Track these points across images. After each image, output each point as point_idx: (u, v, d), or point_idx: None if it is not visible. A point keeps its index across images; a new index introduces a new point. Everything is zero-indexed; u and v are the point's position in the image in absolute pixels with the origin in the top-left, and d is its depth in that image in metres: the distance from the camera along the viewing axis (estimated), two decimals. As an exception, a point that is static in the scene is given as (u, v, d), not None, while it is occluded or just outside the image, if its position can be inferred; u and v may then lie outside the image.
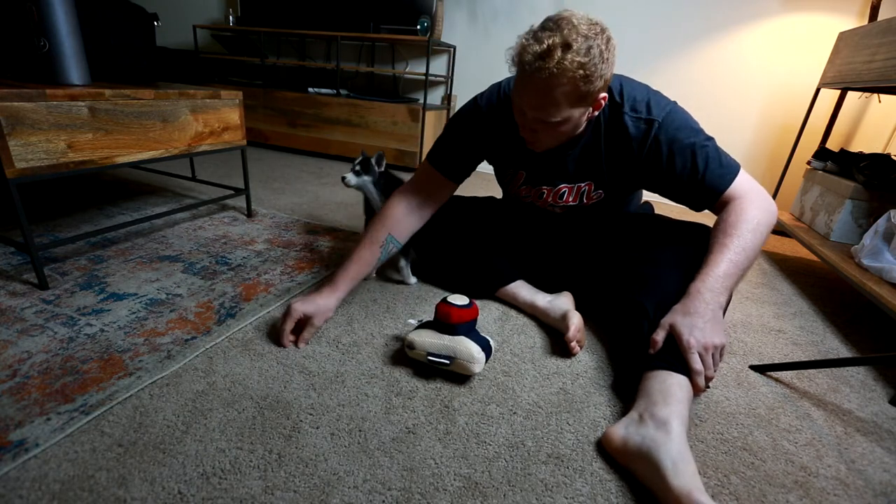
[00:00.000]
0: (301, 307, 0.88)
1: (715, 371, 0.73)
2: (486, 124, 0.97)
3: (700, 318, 0.74)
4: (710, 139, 0.88)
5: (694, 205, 0.91)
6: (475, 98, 0.99)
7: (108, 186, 1.80)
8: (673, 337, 0.75)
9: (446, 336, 0.82)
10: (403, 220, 1.00)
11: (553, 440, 0.71)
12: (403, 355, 0.88)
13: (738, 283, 0.82)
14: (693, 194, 0.89)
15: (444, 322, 0.83)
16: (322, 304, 0.90)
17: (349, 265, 0.95)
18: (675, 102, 0.90)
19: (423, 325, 0.87)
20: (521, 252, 1.17)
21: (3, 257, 1.13)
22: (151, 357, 0.81)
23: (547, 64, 0.71)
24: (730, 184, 0.85)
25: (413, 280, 1.20)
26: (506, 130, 0.96)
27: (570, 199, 1.02)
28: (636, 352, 0.80)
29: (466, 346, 0.80)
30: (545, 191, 1.02)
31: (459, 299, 0.85)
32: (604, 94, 0.80)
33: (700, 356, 0.72)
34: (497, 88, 0.97)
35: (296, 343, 0.89)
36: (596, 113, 0.84)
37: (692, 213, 0.99)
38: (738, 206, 0.84)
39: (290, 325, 0.87)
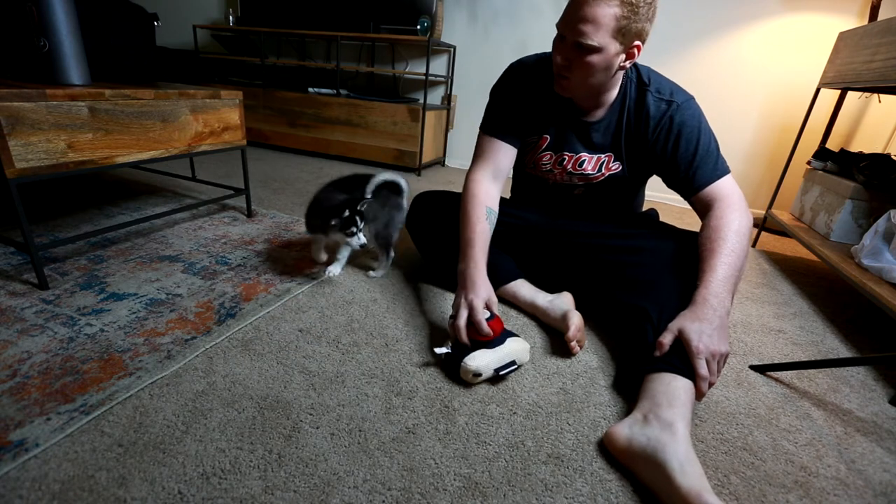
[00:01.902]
0: (479, 298, 0.86)
1: (717, 378, 0.74)
2: (527, 79, 1.04)
3: (709, 325, 0.75)
4: (714, 139, 0.95)
5: (682, 190, 0.98)
6: (518, 60, 1.08)
7: (108, 186, 1.80)
8: (677, 341, 0.75)
9: (497, 348, 0.84)
10: (490, 191, 1.03)
11: (553, 440, 0.71)
12: (403, 355, 0.89)
13: (736, 286, 0.84)
14: (684, 179, 0.95)
15: (489, 339, 0.85)
16: (487, 284, 0.91)
17: (476, 241, 0.95)
18: (693, 97, 0.97)
19: (458, 351, 0.85)
20: (524, 249, 1.18)
21: (3, 257, 1.13)
22: (151, 357, 0.81)
23: None
24: (715, 181, 0.92)
25: (380, 273, 1.22)
26: (540, 90, 1.03)
27: (590, 167, 1.05)
28: (639, 354, 0.81)
29: (517, 346, 0.87)
30: (567, 157, 1.05)
31: (482, 314, 0.86)
32: (637, 44, 0.85)
33: (707, 362, 0.72)
34: (538, 53, 1.05)
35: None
36: (628, 64, 0.89)
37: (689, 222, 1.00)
38: (718, 211, 0.89)
39: (482, 316, 0.84)
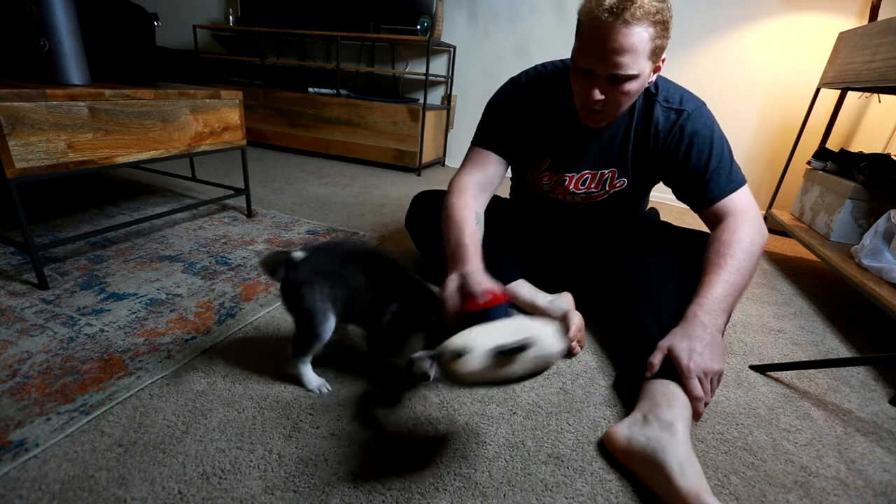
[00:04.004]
0: (483, 280, 0.70)
1: (711, 397, 0.71)
2: (525, 100, 0.97)
3: (699, 343, 0.72)
4: (728, 147, 0.90)
5: (693, 203, 0.92)
6: (511, 79, 1.00)
7: (108, 186, 1.80)
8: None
9: (495, 323, 0.57)
10: (479, 198, 0.94)
11: (553, 440, 0.71)
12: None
13: (736, 303, 0.81)
14: (695, 192, 0.90)
15: (483, 305, 0.61)
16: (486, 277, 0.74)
17: (470, 244, 0.80)
18: (705, 103, 0.92)
19: (436, 334, 0.62)
20: (524, 250, 1.17)
21: (3, 257, 1.13)
22: (151, 357, 0.81)
23: (629, 7, 0.70)
24: (730, 193, 0.87)
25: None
26: (540, 110, 0.96)
27: (593, 185, 1.01)
28: (639, 367, 0.79)
29: (532, 324, 0.55)
30: (567, 178, 1.01)
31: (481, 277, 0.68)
32: (664, 57, 0.80)
33: (700, 381, 0.69)
34: (534, 70, 0.98)
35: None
36: (654, 77, 0.84)
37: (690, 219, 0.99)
38: (731, 225, 0.84)
39: (480, 277, 0.70)
